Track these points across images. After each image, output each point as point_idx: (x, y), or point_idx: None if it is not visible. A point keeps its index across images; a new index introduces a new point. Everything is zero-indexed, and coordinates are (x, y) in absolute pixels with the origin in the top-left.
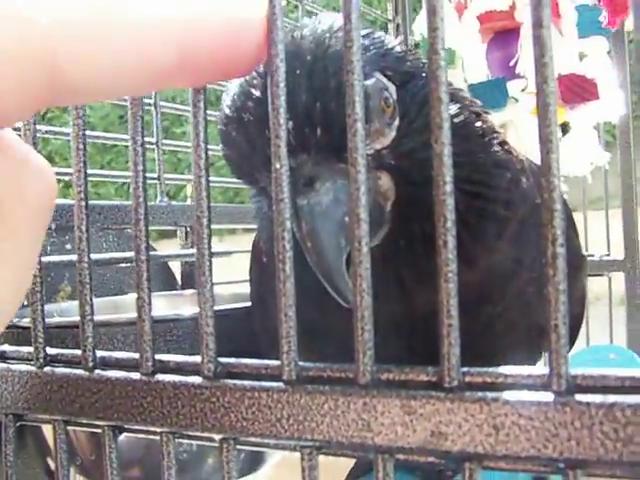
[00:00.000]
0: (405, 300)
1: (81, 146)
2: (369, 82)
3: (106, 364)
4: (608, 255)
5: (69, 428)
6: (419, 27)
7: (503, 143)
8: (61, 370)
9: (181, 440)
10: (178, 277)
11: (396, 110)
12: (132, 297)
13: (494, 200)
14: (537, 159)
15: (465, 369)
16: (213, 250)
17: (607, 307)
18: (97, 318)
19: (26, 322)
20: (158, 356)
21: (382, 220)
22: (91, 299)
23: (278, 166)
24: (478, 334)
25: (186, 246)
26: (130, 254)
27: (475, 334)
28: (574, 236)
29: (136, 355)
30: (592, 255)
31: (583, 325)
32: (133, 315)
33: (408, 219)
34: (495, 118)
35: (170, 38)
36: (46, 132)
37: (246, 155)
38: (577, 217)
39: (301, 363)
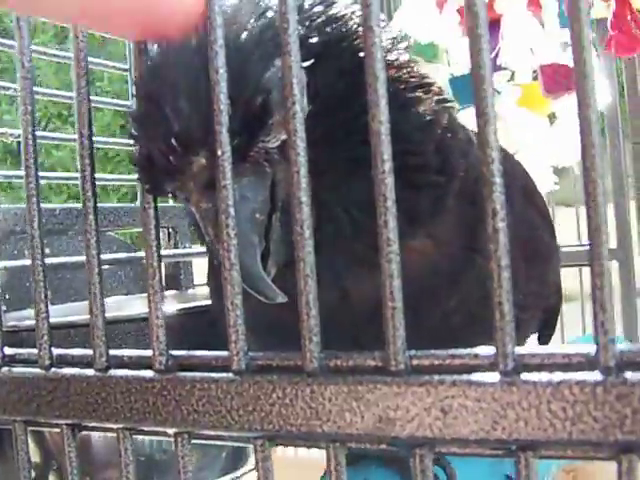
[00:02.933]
0: (339, 286)
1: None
2: (267, 74)
3: (62, 362)
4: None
5: (45, 430)
6: (399, 21)
7: (437, 101)
8: (18, 370)
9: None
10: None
11: None
12: (112, 299)
13: (421, 167)
14: (527, 149)
15: (412, 352)
16: (196, 250)
17: None
18: (60, 319)
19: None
20: (112, 352)
21: None
22: (46, 297)
23: (220, 153)
24: (433, 331)
25: (169, 247)
26: (108, 257)
27: (429, 331)
28: (541, 225)
29: (91, 352)
30: (585, 245)
31: (579, 315)
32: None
33: (330, 206)
34: None
35: None
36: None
37: (150, 161)
38: (569, 210)
39: (251, 353)
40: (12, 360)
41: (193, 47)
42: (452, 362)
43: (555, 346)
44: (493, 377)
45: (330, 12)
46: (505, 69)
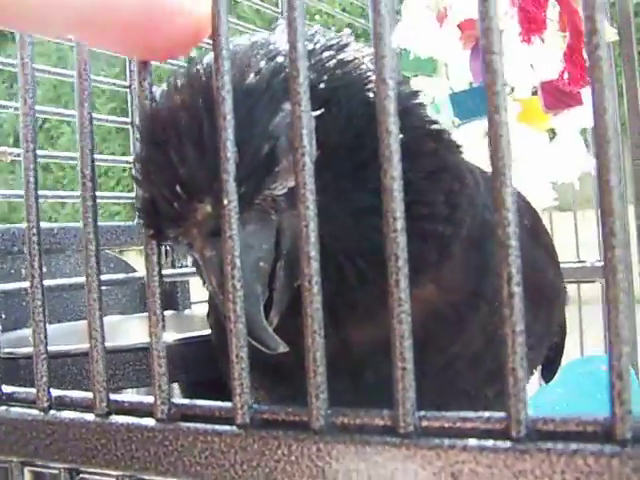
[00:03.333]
0: (341, 336)
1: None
2: (275, 120)
3: (61, 404)
4: (600, 261)
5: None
6: (398, 36)
7: (447, 146)
8: (16, 410)
9: None
10: None
11: None
12: (109, 319)
13: (429, 217)
14: (526, 165)
15: (422, 413)
16: (193, 270)
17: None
18: (57, 348)
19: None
20: (113, 396)
21: None
22: (45, 337)
23: (226, 202)
24: (436, 376)
25: (166, 265)
26: (106, 277)
27: (432, 376)
28: (548, 265)
29: (90, 395)
30: (584, 261)
31: (577, 333)
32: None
33: (335, 254)
34: (479, 126)
35: None
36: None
37: (154, 207)
38: (568, 221)
39: (255, 405)
40: (10, 399)
41: (199, 90)
42: (463, 425)
43: (569, 414)
44: (505, 443)
45: (340, 56)
46: (506, 84)
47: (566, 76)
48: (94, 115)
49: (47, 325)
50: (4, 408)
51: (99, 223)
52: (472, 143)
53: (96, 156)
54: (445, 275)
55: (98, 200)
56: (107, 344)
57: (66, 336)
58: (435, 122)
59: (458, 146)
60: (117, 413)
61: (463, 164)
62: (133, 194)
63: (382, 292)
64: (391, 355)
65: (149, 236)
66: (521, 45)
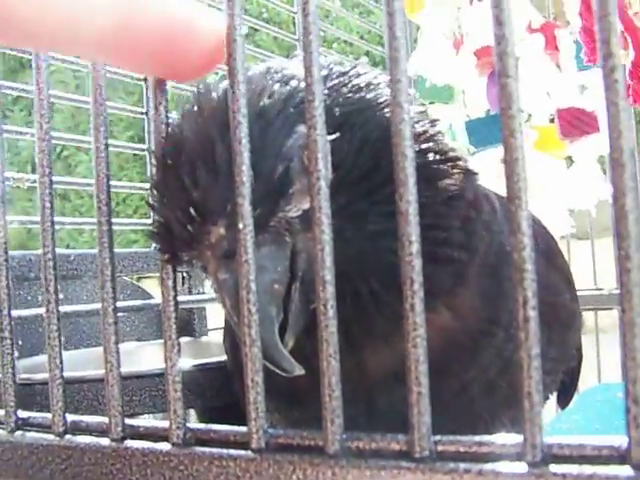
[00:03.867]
0: (356, 359)
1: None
2: (288, 142)
3: (76, 429)
4: (617, 289)
5: None
6: (415, 63)
7: (464, 173)
8: (32, 435)
9: None
10: None
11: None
12: (125, 346)
13: (445, 242)
14: (543, 192)
15: (437, 437)
16: (210, 296)
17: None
18: (73, 374)
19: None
20: (128, 421)
21: None
22: (61, 363)
23: (242, 226)
24: (451, 401)
25: (183, 291)
26: (123, 304)
27: (447, 401)
28: (564, 289)
29: (106, 420)
30: (601, 289)
31: (594, 360)
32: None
33: (350, 276)
34: (494, 154)
35: (114, 9)
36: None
37: (168, 231)
38: (585, 248)
39: (270, 430)
40: (26, 424)
41: (211, 114)
42: (478, 449)
43: (585, 437)
44: (521, 467)
45: (355, 82)
46: (522, 111)
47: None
48: (111, 142)
49: (64, 351)
50: (20, 433)
51: (116, 250)
52: (488, 170)
53: (113, 183)
54: (460, 301)
55: (115, 227)
56: (123, 370)
57: (83, 362)
58: (452, 149)
59: (474, 173)
60: (132, 438)
61: (479, 190)
62: (150, 221)
63: (397, 315)
64: (406, 379)
65: (164, 260)
66: (538, 71)
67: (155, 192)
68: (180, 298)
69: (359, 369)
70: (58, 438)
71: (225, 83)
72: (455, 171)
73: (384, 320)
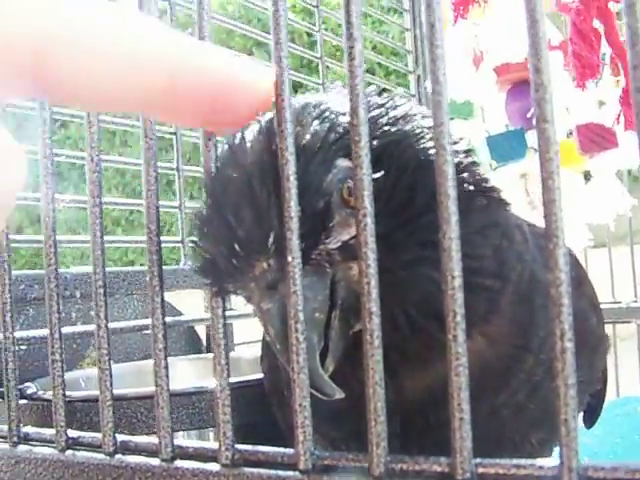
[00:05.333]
0: (394, 384)
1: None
2: (328, 177)
3: (126, 448)
4: (636, 302)
5: None
6: None
7: (496, 203)
8: (82, 454)
9: None
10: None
11: None
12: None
13: (479, 272)
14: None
15: (478, 460)
16: (237, 313)
17: (636, 353)
18: (118, 392)
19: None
20: (177, 441)
21: (359, 306)
22: (111, 385)
23: (290, 259)
24: (482, 423)
25: (208, 307)
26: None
27: (479, 424)
28: (592, 315)
29: (155, 440)
30: (619, 302)
31: (612, 373)
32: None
33: (388, 303)
34: (515, 169)
35: (161, 69)
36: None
37: (214, 265)
38: (603, 259)
39: (317, 452)
40: (76, 443)
41: (255, 151)
42: (517, 472)
43: (618, 462)
44: None
45: (392, 114)
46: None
47: (622, 119)
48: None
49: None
50: (70, 452)
51: (142, 268)
52: (508, 185)
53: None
54: (493, 328)
55: (141, 245)
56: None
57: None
58: (486, 179)
59: (507, 203)
60: (182, 458)
61: (511, 220)
62: (176, 238)
63: (433, 340)
64: (444, 404)
65: (212, 292)
66: (557, 86)
67: (202, 228)
68: (206, 315)
69: (395, 392)
70: (108, 457)
71: (264, 122)
72: (488, 202)
73: (420, 345)
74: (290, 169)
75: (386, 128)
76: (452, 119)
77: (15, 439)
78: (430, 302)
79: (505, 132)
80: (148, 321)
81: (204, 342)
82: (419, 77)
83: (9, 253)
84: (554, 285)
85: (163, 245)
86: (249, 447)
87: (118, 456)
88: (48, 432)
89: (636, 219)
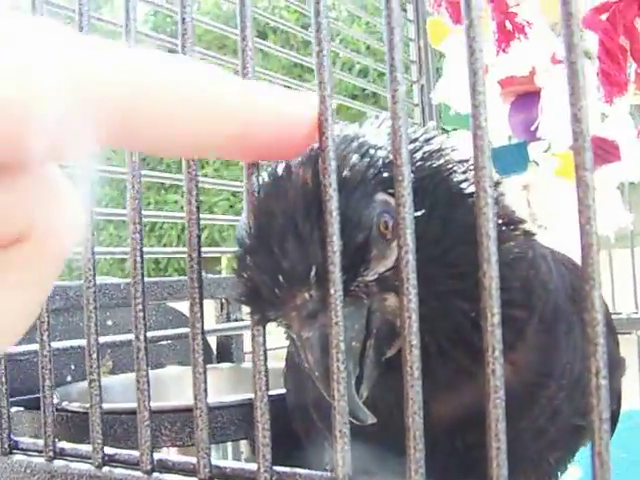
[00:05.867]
0: (426, 410)
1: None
2: (367, 211)
3: (163, 467)
4: (636, 313)
5: None
6: (440, 91)
7: (523, 234)
8: (119, 471)
9: None
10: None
11: (396, 228)
12: (171, 370)
13: (506, 303)
14: (561, 220)
15: None
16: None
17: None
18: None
19: (75, 406)
20: (215, 462)
21: (394, 334)
22: (149, 403)
23: (333, 291)
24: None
25: (221, 317)
26: (169, 332)
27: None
28: (610, 339)
29: (193, 460)
30: (619, 313)
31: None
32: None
33: (420, 333)
34: (517, 180)
35: (231, 122)
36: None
37: (257, 294)
38: (603, 271)
39: (356, 476)
40: (112, 460)
41: (298, 185)
42: None
43: None
44: None
45: (426, 148)
46: (542, 140)
47: None
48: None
49: (113, 376)
50: (107, 469)
51: (163, 278)
52: (511, 197)
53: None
54: (519, 356)
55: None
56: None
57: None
58: (513, 211)
59: (532, 234)
60: (219, 478)
61: (537, 250)
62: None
63: (462, 369)
64: (470, 429)
65: (255, 320)
66: (559, 101)
67: (246, 258)
68: (219, 326)
69: (426, 417)
70: (146, 475)
71: (307, 154)
72: (517, 233)
73: (450, 373)
74: (333, 204)
75: (420, 163)
76: (455, 129)
77: (51, 454)
78: (461, 333)
79: (508, 144)
80: (159, 332)
81: (214, 352)
82: (423, 87)
83: None
84: (590, 325)
85: (179, 255)
86: (287, 469)
87: (155, 474)
88: (84, 448)
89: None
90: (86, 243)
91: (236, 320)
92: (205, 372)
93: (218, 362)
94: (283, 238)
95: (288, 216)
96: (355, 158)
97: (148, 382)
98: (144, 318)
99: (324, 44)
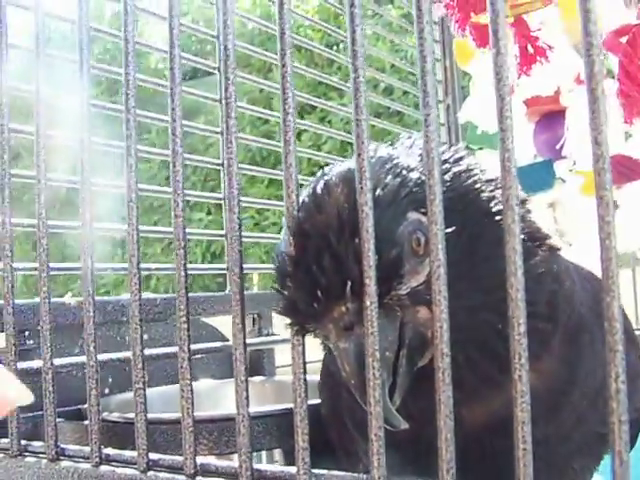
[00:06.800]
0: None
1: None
2: (399, 230)
3: (206, 471)
4: (638, 330)
5: None
6: (467, 110)
7: (548, 249)
8: (164, 475)
9: None
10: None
11: (428, 245)
12: (204, 384)
13: (533, 315)
14: (586, 235)
15: None
16: (280, 338)
17: None
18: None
19: (115, 416)
20: (256, 466)
21: (425, 345)
22: (192, 410)
23: (369, 303)
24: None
25: (253, 332)
26: (201, 346)
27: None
28: (631, 350)
29: (235, 464)
30: None
31: None
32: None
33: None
34: (543, 198)
35: None
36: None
37: (297, 308)
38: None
39: (392, 477)
40: (156, 465)
41: (337, 204)
42: None
43: None
44: None
45: (456, 169)
46: (567, 158)
47: None
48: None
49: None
50: (152, 473)
51: (195, 294)
52: (538, 214)
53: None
54: (544, 365)
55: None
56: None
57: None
58: (539, 228)
59: (557, 248)
60: None
61: (561, 265)
62: (222, 265)
63: (489, 377)
64: (499, 434)
65: (294, 331)
66: (584, 120)
67: (285, 274)
68: (251, 340)
69: (456, 423)
70: (189, 479)
71: (342, 171)
72: (544, 250)
73: (478, 382)
74: (369, 222)
75: (450, 183)
76: (481, 149)
77: (97, 460)
78: (488, 344)
79: (535, 163)
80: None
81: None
82: (449, 107)
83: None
84: (610, 333)
85: (210, 272)
86: (325, 472)
87: (199, 478)
88: (128, 454)
89: None
90: (132, 259)
91: (267, 335)
92: (247, 381)
93: (250, 375)
94: (320, 255)
95: (324, 234)
96: (389, 178)
97: (192, 391)
98: (188, 330)
99: (360, 71)
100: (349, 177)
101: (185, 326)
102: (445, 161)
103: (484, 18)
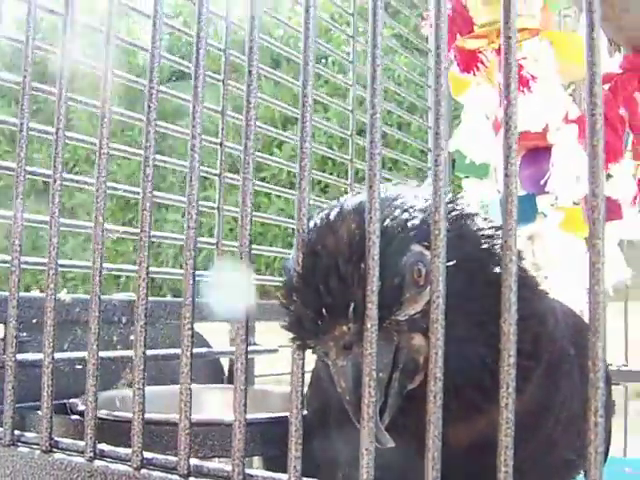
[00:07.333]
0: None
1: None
2: (402, 260)
3: (199, 472)
4: (626, 365)
5: None
6: (456, 139)
7: (533, 287)
8: (157, 474)
9: None
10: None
11: (428, 277)
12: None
13: (518, 354)
14: (562, 270)
15: None
16: (263, 348)
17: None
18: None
19: (104, 413)
20: (248, 470)
21: (417, 369)
22: (190, 413)
23: (369, 325)
24: None
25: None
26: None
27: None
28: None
29: (227, 467)
30: (610, 364)
31: (622, 434)
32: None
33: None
34: (523, 231)
35: None
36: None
37: (301, 324)
38: None
39: None
40: (150, 463)
41: (346, 232)
42: None
43: None
44: None
45: (454, 213)
46: (550, 193)
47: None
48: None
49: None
50: (146, 471)
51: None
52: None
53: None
54: (525, 397)
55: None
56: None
57: (161, 400)
58: (526, 270)
59: (546, 292)
60: None
61: (547, 305)
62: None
63: (473, 403)
64: (480, 455)
65: (297, 346)
66: (570, 157)
67: (292, 292)
68: (231, 349)
69: (442, 443)
70: (182, 479)
71: (352, 202)
72: (531, 294)
73: (464, 406)
74: (375, 250)
75: (452, 223)
76: (467, 177)
77: (91, 454)
78: (475, 374)
79: (517, 196)
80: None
81: (225, 372)
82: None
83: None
84: (593, 371)
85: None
86: None
87: (192, 479)
88: (122, 451)
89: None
90: (141, 264)
91: (249, 344)
92: (246, 389)
93: (229, 382)
94: (328, 275)
95: (334, 257)
96: (397, 212)
97: (190, 395)
98: (192, 336)
99: (377, 108)
100: (361, 208)
101: (189, 332)
102: (449, 202)
103: (470, 43)
